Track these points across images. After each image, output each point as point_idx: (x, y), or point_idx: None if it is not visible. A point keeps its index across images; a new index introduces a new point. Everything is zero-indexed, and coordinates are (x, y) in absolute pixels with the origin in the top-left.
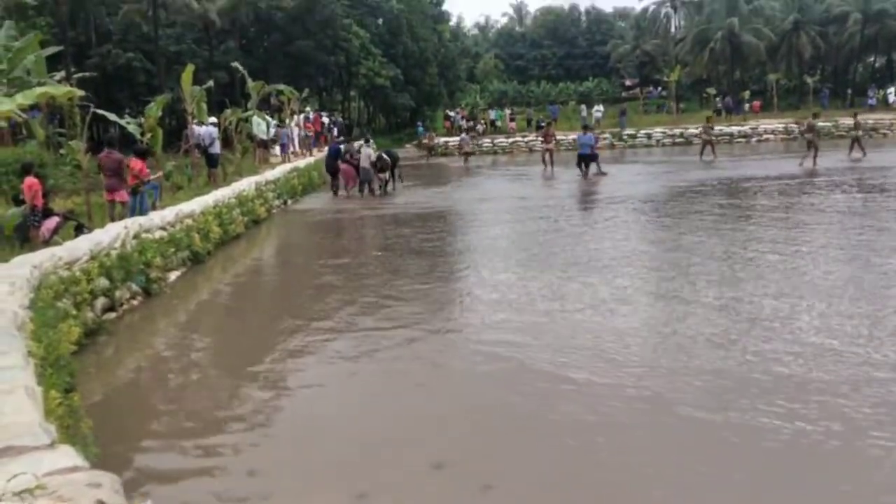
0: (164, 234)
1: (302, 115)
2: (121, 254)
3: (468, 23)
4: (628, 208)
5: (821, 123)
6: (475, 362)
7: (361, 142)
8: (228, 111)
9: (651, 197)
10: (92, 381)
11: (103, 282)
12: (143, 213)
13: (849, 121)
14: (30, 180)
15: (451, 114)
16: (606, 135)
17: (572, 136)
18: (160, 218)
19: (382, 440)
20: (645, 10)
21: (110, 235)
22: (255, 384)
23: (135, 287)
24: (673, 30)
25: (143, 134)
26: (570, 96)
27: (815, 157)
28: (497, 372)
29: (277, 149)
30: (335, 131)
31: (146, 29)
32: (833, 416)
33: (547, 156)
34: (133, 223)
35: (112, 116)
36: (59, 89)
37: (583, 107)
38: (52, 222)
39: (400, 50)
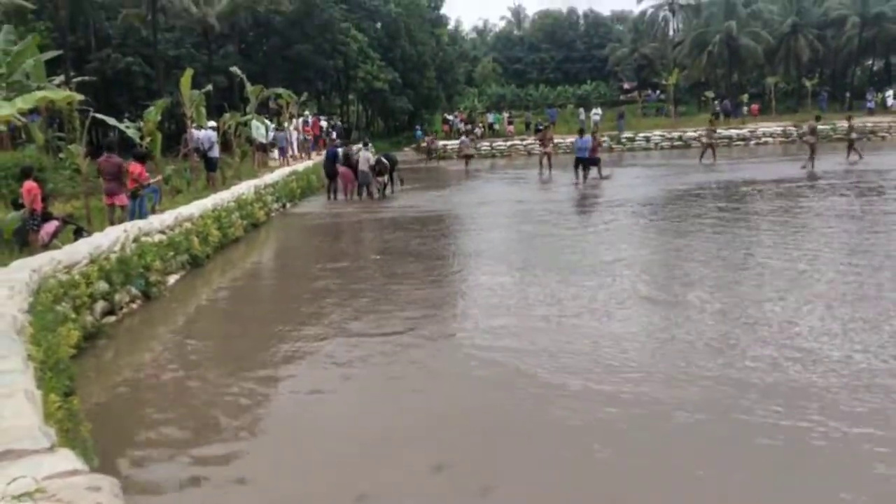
0: (164, 237)
1: (300, 119)
2: (120, 257)
3: (466, 26)
4: (627, 212)
5: (820, 126)
6: (472, 367)
7: (360, 145)
8: (227, 115)
9: (650, 200)
10: (91, 384)
11: (102, 285)
12: (142, 216)
13: (845, 124)
14: (29, 184)
15: (450, 117)
16: (605, 138)
17: (570, 139)
18: (159, 221)
19: (381, 443)
20: (643, 13)
21: (110, 239)
22: (254, 388)
23: (134, 291)
24: (671, 33)
25: (142, 138)
26: (569, 100)
27: (812, 159)
28: (494, 376)
29: (276, 152)
30: (334, 135)
31: (145, 33)
32: (833, 421)
33: (545, 159)
34: (132, 227)
35: (111, 121)
36: (58, 93)
37: (581, 110)
38: (51, 226)
39: (398, 53)
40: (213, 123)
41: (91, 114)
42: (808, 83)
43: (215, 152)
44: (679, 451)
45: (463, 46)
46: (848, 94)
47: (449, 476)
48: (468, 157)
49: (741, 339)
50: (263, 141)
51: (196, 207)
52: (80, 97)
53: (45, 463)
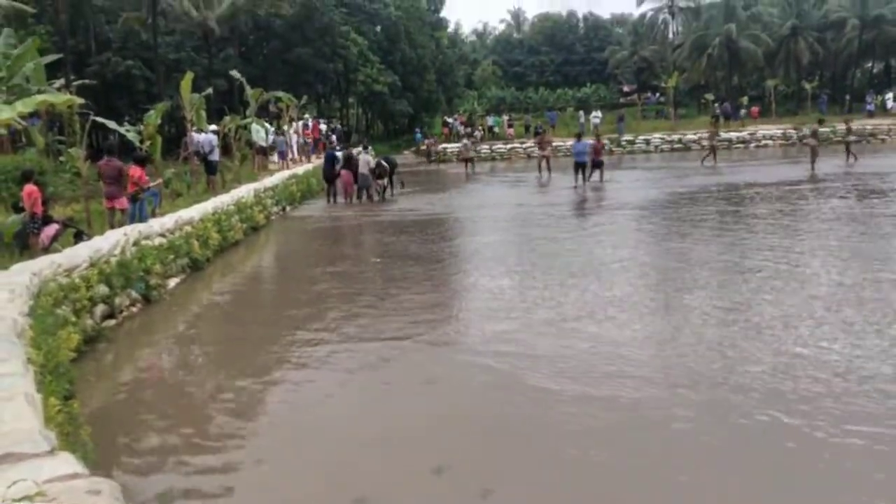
0: (164, 240)
1: (300, 123)
2: (120, 261)
3: (466, 29)
4: (627, 215)
5: (821, 129)
6: (472, 371)
7: (360, 148)
8: (227, 118)
9: (650, 203)
10: (91, 388)
11: (103, 289)
12: (142, 220)
13: (843, 126)
14: (29, 188)
15: (450, 120)
16: (605, 141)
17: (570, 142)
18: (159, 225)
19: (381, 445)
20: (642, 16)
21: (110, 242)
22: (254, 391)
23: (134, 294)
24: (671, 36)
25: (142, 141)
26: (568, 102)
27: (813, 162)
28: (494, 381)
29: (276, 156)
30: (333, 138)
31: (145, 37)
32: (834, 426)
33: (543, 162)
34: (132, 230)
35: (111, 124)
36: (58, 97)
37: (580, 113)
38: (51, 229)
39: (398, 57)
40: (214, 127)
41: (91, 117)
42: (807, 86)
43: (215, 156)
44: (678, 454)
45: (463, 49)
46: (848, 97)
47: (449, 478)
48: (469, 160)
49: (741, 343)
50: (263, 144)
51: (196, 211)
52: (80, 101)
53: (45, 466)
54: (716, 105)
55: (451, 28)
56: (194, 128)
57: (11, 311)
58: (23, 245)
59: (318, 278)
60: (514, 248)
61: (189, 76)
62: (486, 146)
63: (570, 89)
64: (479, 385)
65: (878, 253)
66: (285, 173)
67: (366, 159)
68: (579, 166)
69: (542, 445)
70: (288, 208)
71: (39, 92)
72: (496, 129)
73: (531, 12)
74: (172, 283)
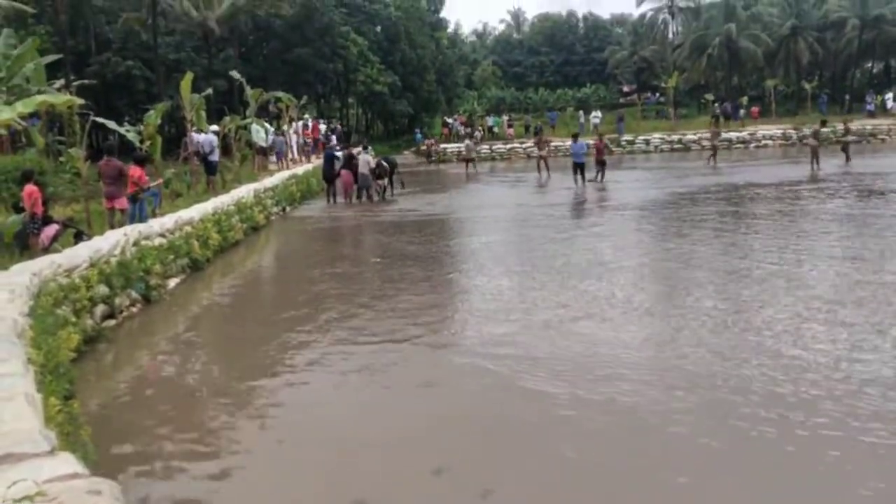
0: (164, 241)
1: (300, 123)
2: (120, 261)
3: (466, 30)
4: (626, 215)
5: (822, 130)
6: (472, 374)
7: (359, 148)
8: (227, 119)
9: (649, 204)
10: (91, 388)
11: (103, 289)
12: (142, 220)
13: (841, 126)
14: (30, 188)
15: (450, 120)
16: (605, 141)
17: (570, 142)
18: (159, 225)
19: (381, 447)
20: (642, 16)
21: (110, 243)
22: (253, 392)
23: (134, 294)
24: (670, 36)
25: (142, 142)
26: (568, 103)
27: (812, 162)
28: (493, 384)
29: (274, 156)
30: (333, 139)
31: (145, 37)
32: (835, 430)
33: (542, 162)
34: (132, 230)
35: (112, 124)
36: (58, 98)
37: (580, 113)
38: (51, 230)
39: (398, 57)
40: (215, 128)
41: (91, 117)
42: (807, 86)
43: (215, 156)
44: (677, 456)
45: (462, 50)
46: (847, 97)
47: (448, 479)
48: (471, 161)
49: (742, 344)
50: (263, 144)
51: (196, 211)
52: (80, 101)
53: (45, 466)
54: (715, 105)
55: (450, 28)
56: (194, 128)
57: (12, 312)
58: (23, 245)
59: (317, 279)
60: (513, 249)
61: (189, 76)
62: (486, 146)
63: (570, 89)
64: (478, 387)
65: (880, 253)
66: (285, 174)
67: (366, 159)
68: (578, 167)
69: (542, 447)
70: (288, 208)
71: (39, 92)
72: (496, 130)
73: (531, 12)
74: (172, 283)
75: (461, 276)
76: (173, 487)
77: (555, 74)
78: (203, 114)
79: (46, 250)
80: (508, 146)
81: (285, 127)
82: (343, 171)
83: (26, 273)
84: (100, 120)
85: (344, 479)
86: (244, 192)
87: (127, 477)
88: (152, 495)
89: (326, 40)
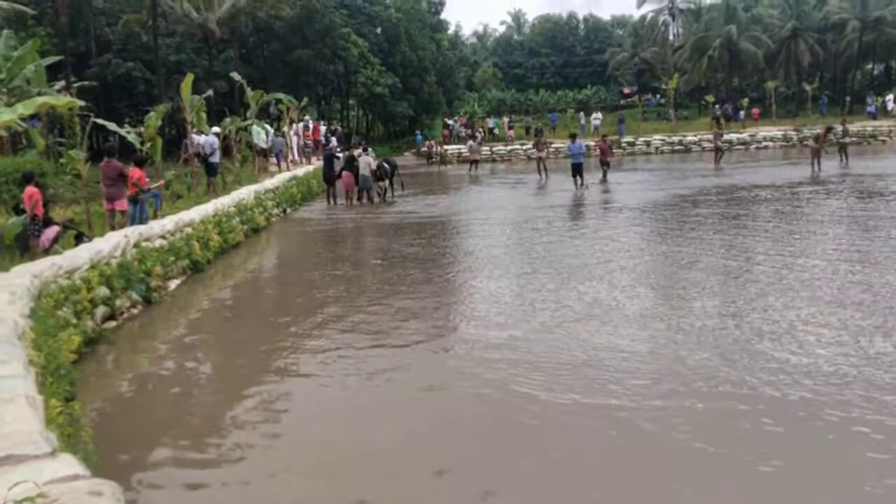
0: (164, 242)
1: (301, 124)
2: (121, 262)
3: (466, 31)
4: (627, 216)
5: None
6: (472, 378)
7: (360, 150)
8: (228, 120)
9: (650, 205)
10: (92, 389)
11: (103, 291)
12: (142, 221)
13: (840, 128)
14: (30, 189)
15: (450, 122)
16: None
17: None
18: (160, 227)
19: (381, 449)
20: (643, 17)
21: (110, 244)
22: (254, 395)
23: (135, 296)
24: (671, 37)
25: (142, 143)
26: (569, 104)
27: (813, 163)
28: (493, 387)
29: (274, 157)
30: (333, 141)
31: (146, 38)
32: (840, 433)
33: (541, 164)
34: (133, 232)
35: (112, 126)
36: (59, 100)
37: (581, 114)
38: (52, 231)
39: (398, 58)
40: (216, 129)
41: (92, 119)
42: (808, 87)
43: (216, 158)
44: (679, 461)
45: (463, 51)
46: (848, 99)
47: (449, 481)
48: (475, 162)
49: (743, 348)
50: (264, 146)
51: (197, 212)
52: (80, 103)
53: (46, 468)
54: (716, 107)
55: (451, 30)
56: (195, 129)
57: (12, 313)
58: (23, 247)
59: (318, 281)
60: (513, 251)
61: (189, 78)
62: (487, 148)
63: (571, 91)
64: (478, 391)
65: (881, 254)
66: (286, 175)
67: (367, 161)
68: (576, 167)
69: (541, 450)
70: (288, 210)
71: (40, 94)
72: (496, 131)
73: (531, 14)
74: (173, 284)
75: (461, 279)
76: (174, 488)
77: (555, 76)
78: (203, 115)
79: (47, 252)
80: (509, 148)
81: (286, 128)
82: (344, 173)
83: (27, 275)
84: (100, 121)
85: (345, 481)
86: (245, 193)
87: (128, 478)
88: (153, 497)
89: (327, 42)
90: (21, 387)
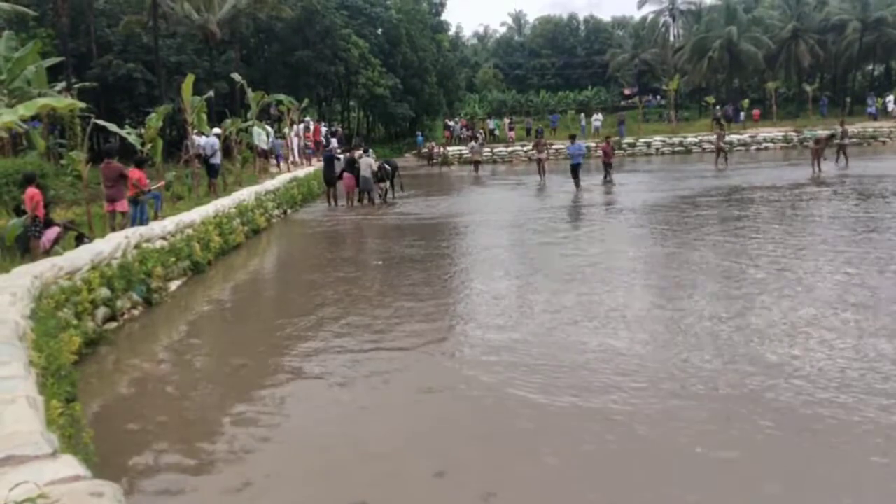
0: (165, 243)
1: (302, 125)
2: (122, 263)
3: (467, 33)
4: (627, 218)
5: (821, 132)
6: (471, 381)
7: (360, 151)
8: (228, 121)
9: (650, 206)
10: (93, 390)
11: (104, 292)
12: (143, 222)
13: (839, 128)
14: (31, 191)
15: (451, 123)
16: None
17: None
18: (161, 228)
19: (382, 451)
20: (643, 19)
21: (111, 245)
22: (254, 397)
23: (136, 297)
24: (671, 39)
25: (143, 144)
26: (570, 105)
27: (814, 164)
28: (493, 390)
29: (273, 159)
30: (334, 142)
31: (147, 40)
32: (844, 437)
33: (541, 165)
34: (134, 233)
35: (113, 127)
36: (60, 101)
37: (582, 116)
38: (53, 232)
39: (399, 60)
40: (217, 130)
41: (92, 120)
42: (808, 88)
43: (217, 158)
44: (677, 463)
45: (464, 52)
46: (848, 100)
47: (450, 482)
48: (477, 163)
49: (744, 352)
50: (265, 147)
51: (197, 213)
52: (81, 105)
53: (47, 469)
54: (717, 108)
55: (452, 31)
56: (195, 131)
57: (13, 314)
58: (24, 248)
59: (319, 282)
60: (513, 252)
61: (190, 79)
62: (488, 149)
63: (572, 92)
64: (478, 394)
65: (882, 255)
66: (286, 176)
67: (368, 162)
68: (574, 168)
69: (541, 453)
70: (289, 211)
71: (41, 95)
72: (497, 132)
73: (532, 15)
74: (174, 285)
75: (462, 280)
76: (174, 489)
77: (556, 77)
78: (204, 116)
79: (48, 253)
80: (510, 149)
81: (286, 129)
82: (345, 174)
83: (28, 276)
84: (101, 122)
85: (346, 482)
86: (245, 194)
87: (128, 479)
88: (153, 498)
89: (327, 43)
90: (22, 388)
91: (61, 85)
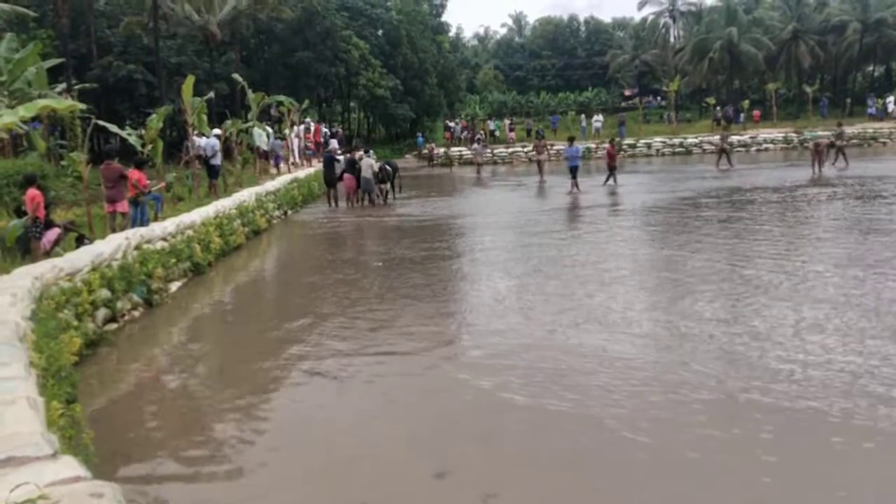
0: (166, 244)
1: (302, 126)
2: (122, 265)
3: (468, 34)
4: (627, 219)
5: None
6: (471, 382)
7: (361, 152)
8: (229, 122)
9: (650, 208)
10: (93, 392)
11: (105, 293)
12: (143, 223)
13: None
14: (32, 192)
15: (451, 124)
16: (606, 144)
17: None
18: (161, 229)
19: (382, 453)
20: (644, 20)
21: (111, 246)
22: (255, 398)
23: (136, 298)
24: (672, 40)
25: (143, 145)
26: (570, 106)
27: (814, 165)
28: (492, 393)
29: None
30: (334, 143)
31: (147, 41)
32: (847, 443)
33: (541, 167)
34: (134, 234)
35: (113, 128)
36: (61, 103)
37: (582, 117)
38: (53, 234)
39: (399, 61)
40: (217, 131)
41: (93, 121)
42: (808, 89)
43: (217, 160)
44: (677, 466)
45: (464, 53)
46: (848, 101)
47: (450, 483)
48: (479, 165)
49: (746, 354)
50: (265, 148)
51: (198, 215)
52: (82, 106)
53: (47, 470)
54: (717, 109)
55: (452, 32)
56: (196, 132)
57: (14, 315)
58: (25, 249)
59: (319, 284)
60: (513, 255)
61: (190, 80)
62: (488, 150)
63: (572, 93)
64: (477, 395)
65: (882, 256)
66: (287, 177)
67: (369, 163)
68: (571, 171)
69: (541, 455)
70: (290, 212)
71: (41, 96)
72: (497, 134)
73: (532, 16)
74: (174, 286)
75: (462, 282)
76: (175, 491)
77: (556, 78)
78: (205, 117)
79: (48, 254)
80: (510, 150)
81: (287, 130)
82: (346, 176)
83: (28, 277)
84: (101, 123)
85: (346, 483)
86: (246, 195)
87: (128, 480)
88: (154, 499)
89: (328, 44)
90: (22, 389)
91: (62, 86)
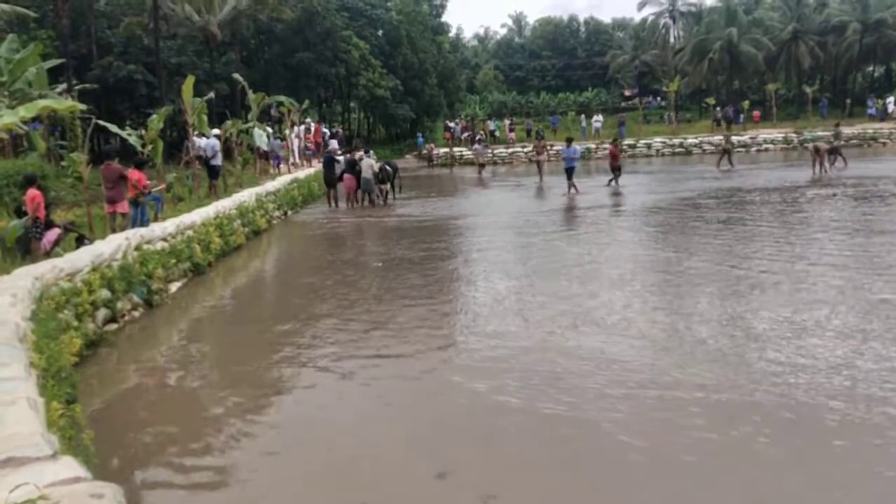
0: (166, 245)
1: (302, 127)
2: (122, 265)
3: (468, 34)
4: (627, 220)
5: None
6: (471, 384)
7: (361, 153)
8: (229, 123)
9: (650, 208)
10: (93, 392)
11: (105, 293)
12: (144, 224)
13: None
14: (32, 192)
15: (451, 124)
16: (606, 145)
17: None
18: (161, 229)
19: (382, 453)
20: (644, 20)
21: (112, 247)
22: (255, 398)
23: (136, 298)
24: (672, 40)
25: (144, 146)
26: (570, 107)
27: (814, 165)
28: (490, 395)
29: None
30: (334, 143)
31: (147, 41)
32: (849, 446)
33: (540, 167)
34: (134, 234)
35: (113, 128)
36: (61, 103)
37: (582, 117)
38: (53, 234)
39: (399, 61)
40: (216, 132)
41: (93, 121)
42: (808, 90)
43: (218, 160)
44: (676, 469)
45: (464, 54)
46: (848, 101)
47: (450, 484)
48: (481, 165)
49: (746, 355)
50: (266, 148)
51: (198, 215)
52: (82, 107)
53: (47, 470)
54: (717, 109)
55: (452, 33)
56: (196, 132)
57: (14, 316)
58: (25, 249)
59: (318, 284)
60: (512, 256)
61: (191, 80)
62: (489, 150)
63: (572, 93)
64: (476, 397)
65: (883, 257)
66: (287, 178)
67: (369, 163)
68: (568, 172)
69: (540, 456)
70: (290, 212)
71: (41, 97)
72: (497, 134)
73: (532, 17)
74: (174, 287)
75: (461, 282)
76: (174, 491)
77: (556, 78)
78: (205, 118)
79: (48, 254)
80: (510, 150)
81: (287, 131)
82: (346, 176)
83: (28, 277)
84: (102, 124)
85: (347, 484)
86: (246, 196)
87: (128, 481)
88: (154, 499)
89: (328, 44)
90: (22, 389)
91: (62, 86)
